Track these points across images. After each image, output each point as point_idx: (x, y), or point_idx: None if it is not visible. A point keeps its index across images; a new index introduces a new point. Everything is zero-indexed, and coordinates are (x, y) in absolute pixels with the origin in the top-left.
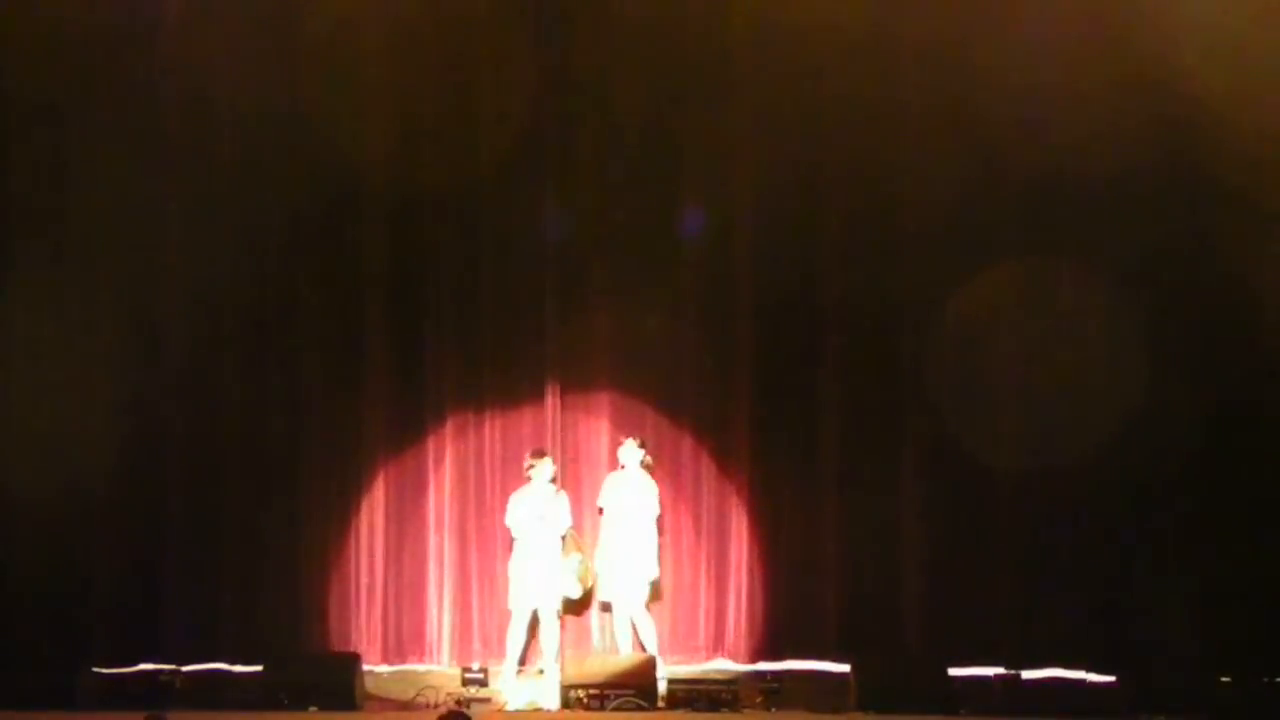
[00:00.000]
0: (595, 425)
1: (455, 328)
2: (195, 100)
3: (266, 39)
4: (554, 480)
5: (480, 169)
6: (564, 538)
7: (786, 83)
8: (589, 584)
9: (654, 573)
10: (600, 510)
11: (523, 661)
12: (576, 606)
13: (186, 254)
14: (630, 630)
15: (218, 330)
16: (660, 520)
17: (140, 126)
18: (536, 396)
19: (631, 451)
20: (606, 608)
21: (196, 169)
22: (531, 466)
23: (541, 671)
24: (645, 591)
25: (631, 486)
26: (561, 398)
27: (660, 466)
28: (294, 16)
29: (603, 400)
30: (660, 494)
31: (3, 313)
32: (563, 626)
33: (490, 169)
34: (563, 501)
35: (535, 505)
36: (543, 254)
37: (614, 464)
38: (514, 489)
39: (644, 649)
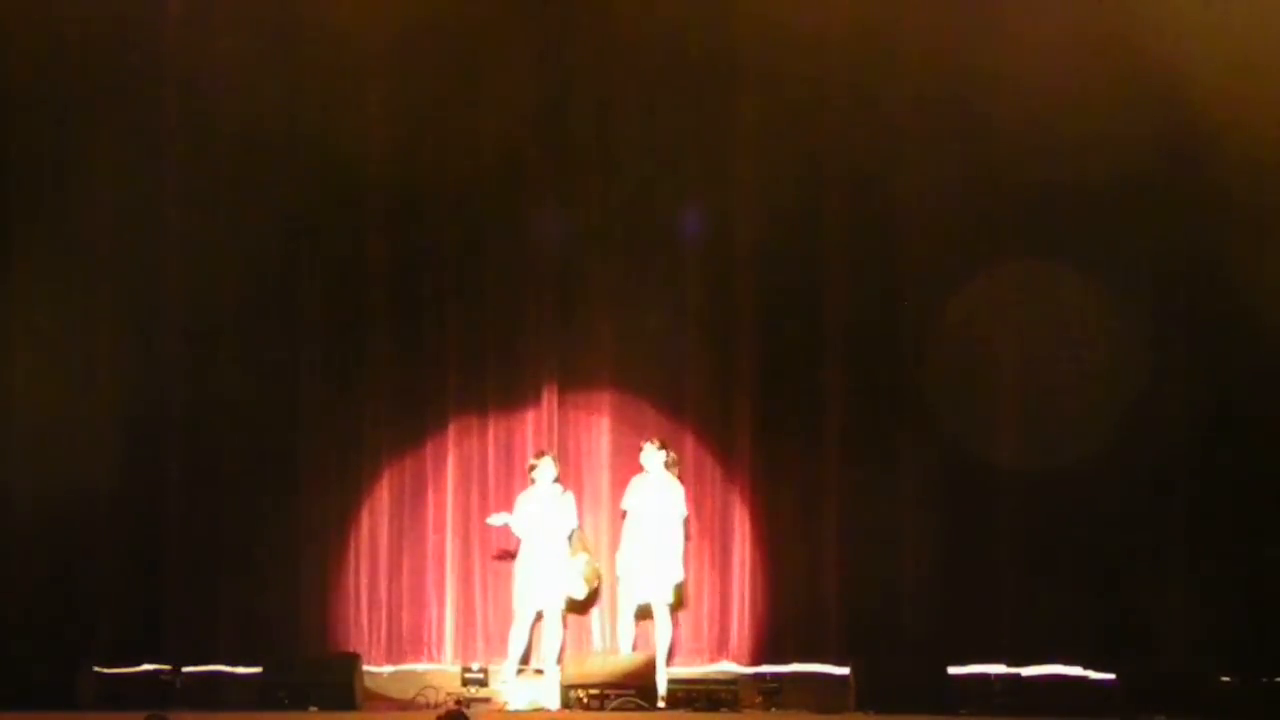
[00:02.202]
0: (596, 425)
1: (456, 327)
2: (196, 100)
3: (268, 37)
4: (558, 480)
5: (481, 169)
6: (571, 537)
7: (787, 83)
8: (595, 584)
9: (678, 575)
10: (624, 513)
11: (525, 661)
12: (581, 606)
13: (187, 253)
14: (634, 631)
15: (218, 330)
16: (688, 523)
17: (141, 126)
18: (537, 396)
19: (652, 455)
20: (618, 608)
21: (196, 169)
22: (534, 467)
23: (540, 671)
24: (670, 595)
25: (655, 489)
26: (562, 397)
27: None
28: (295, 14)
29: (603, 400)
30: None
31: (3, 314)
32: (565, 626)
33: (491, 169)
34: (569, 501)
35: (541, 505)
36: (543, 254)
37: (616, 464)
38: (515, 488)
39: (653, 649)
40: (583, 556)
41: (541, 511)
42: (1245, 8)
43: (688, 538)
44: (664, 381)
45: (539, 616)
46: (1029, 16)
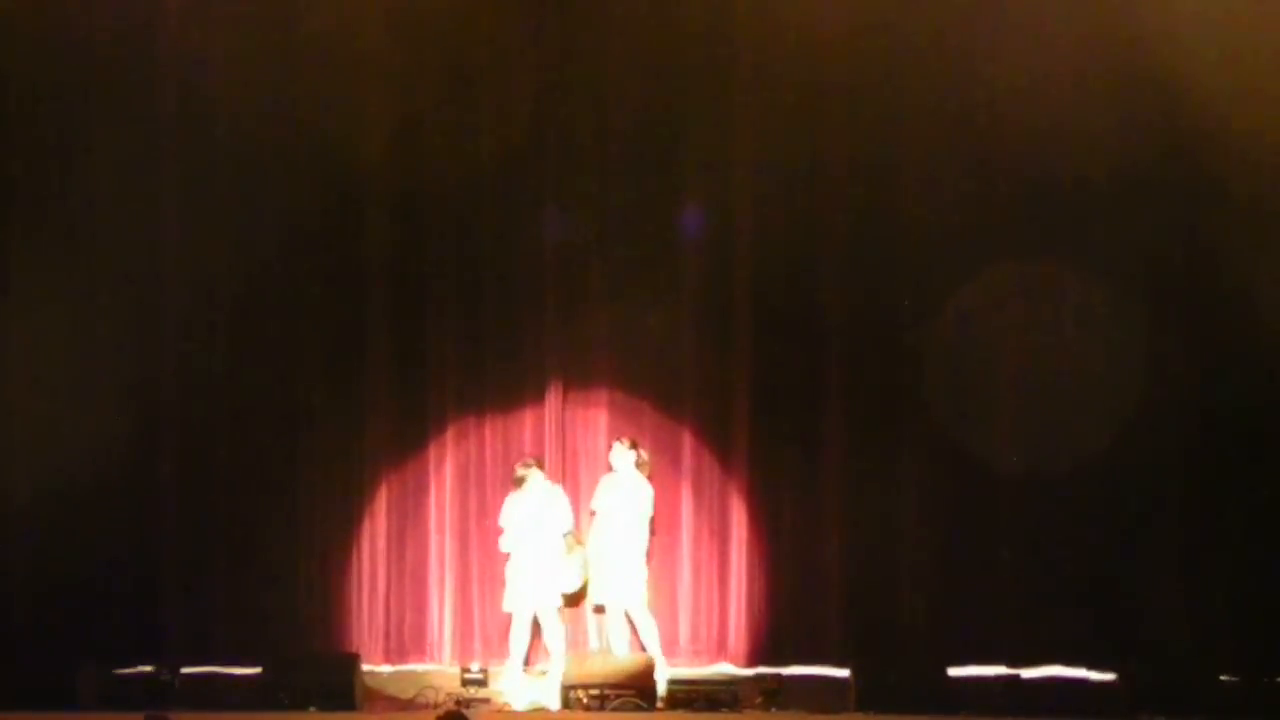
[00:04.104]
0: (595, 424)
1: (456, 326)
2: (194, 99)
3: (266, 35)
4: (547, 478)
5: (480, 168)
6: (565, 536)
7: (787, 81)
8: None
9: (642, 574)
10: (592, 513)
11: (525, 662)
12: (574, 600)
13: (185, 253)
14: (625, 632)
15: (217, 331)
16: (653, 522)
17: (140, 126)
18: (537, 396)
19: (621, 454)
20: (600, 610)
21: (195, 169)
22: (521, 480)
23: (545, 672)
24: (643, 592)
25: (622, 489)
26: (562, 396)
27: (660, 466)
28: (294, 12)
29: (602, 399)
30: (656, 495)
31: (2, 315)
32: (564, 625)
33: (490, 168)
34: (563, 501)
35: (531, 507)
36: (543, 253)
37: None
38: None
39: (644, 650)
40: (579, 551)
41: (535, 513)
42: (1244, 4)
43: (652, 532)
44: (663, 381)
45: (536, 617)
46: (1028, 14)
